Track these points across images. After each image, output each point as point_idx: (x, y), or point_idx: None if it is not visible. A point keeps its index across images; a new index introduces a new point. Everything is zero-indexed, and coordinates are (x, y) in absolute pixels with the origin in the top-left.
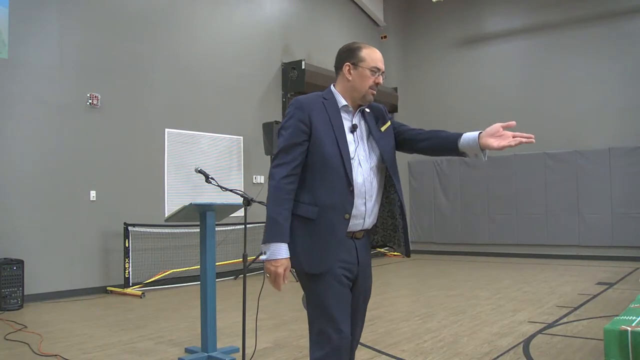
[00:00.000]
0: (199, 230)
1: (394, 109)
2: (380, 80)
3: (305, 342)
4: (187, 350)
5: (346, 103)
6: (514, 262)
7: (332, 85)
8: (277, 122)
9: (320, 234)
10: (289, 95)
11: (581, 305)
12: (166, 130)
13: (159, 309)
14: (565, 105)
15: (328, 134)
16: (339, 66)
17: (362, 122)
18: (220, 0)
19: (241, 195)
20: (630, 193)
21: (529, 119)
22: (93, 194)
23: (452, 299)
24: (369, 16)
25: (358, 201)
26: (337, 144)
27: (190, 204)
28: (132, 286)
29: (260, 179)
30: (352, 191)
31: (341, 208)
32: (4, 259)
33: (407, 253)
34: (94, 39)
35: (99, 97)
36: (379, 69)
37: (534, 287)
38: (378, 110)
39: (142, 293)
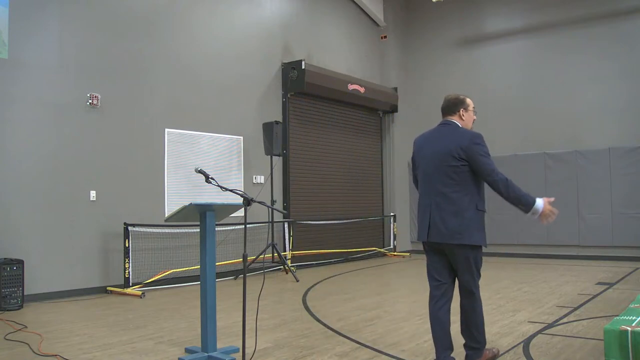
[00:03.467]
0: (199, 230)
1: (394, 109)
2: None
3: (305, 342)
4: (187, 350)
5: None
6: (514, 262)
7: (456, 122)
8: (277, 122)
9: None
10: (289, 95)
11: (581, 305)
12: (166, 130)
13: (159, 309)
14: (565, 105)
15: None
16: (454, 110)
17: None
18: (220, 0)
19: (241, 195)
20: (630, 193)
21: (529, 119)
22: (93, 194)
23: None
24: (368, 16)
25: None
26: None
27: (190, 204)
28: (132, 286)
29: (260, 179)
30: None
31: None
32: (4, 259)
33: None
34: (94, 39)
35: (99, 97)
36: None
37: (534, 287)
38: None
39: (142, 293)
